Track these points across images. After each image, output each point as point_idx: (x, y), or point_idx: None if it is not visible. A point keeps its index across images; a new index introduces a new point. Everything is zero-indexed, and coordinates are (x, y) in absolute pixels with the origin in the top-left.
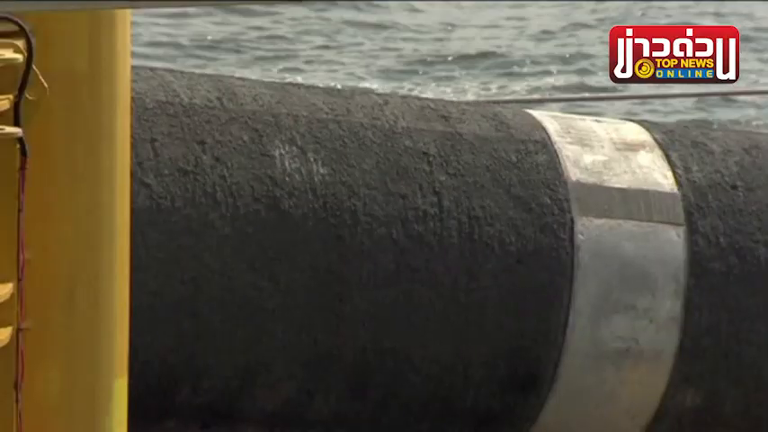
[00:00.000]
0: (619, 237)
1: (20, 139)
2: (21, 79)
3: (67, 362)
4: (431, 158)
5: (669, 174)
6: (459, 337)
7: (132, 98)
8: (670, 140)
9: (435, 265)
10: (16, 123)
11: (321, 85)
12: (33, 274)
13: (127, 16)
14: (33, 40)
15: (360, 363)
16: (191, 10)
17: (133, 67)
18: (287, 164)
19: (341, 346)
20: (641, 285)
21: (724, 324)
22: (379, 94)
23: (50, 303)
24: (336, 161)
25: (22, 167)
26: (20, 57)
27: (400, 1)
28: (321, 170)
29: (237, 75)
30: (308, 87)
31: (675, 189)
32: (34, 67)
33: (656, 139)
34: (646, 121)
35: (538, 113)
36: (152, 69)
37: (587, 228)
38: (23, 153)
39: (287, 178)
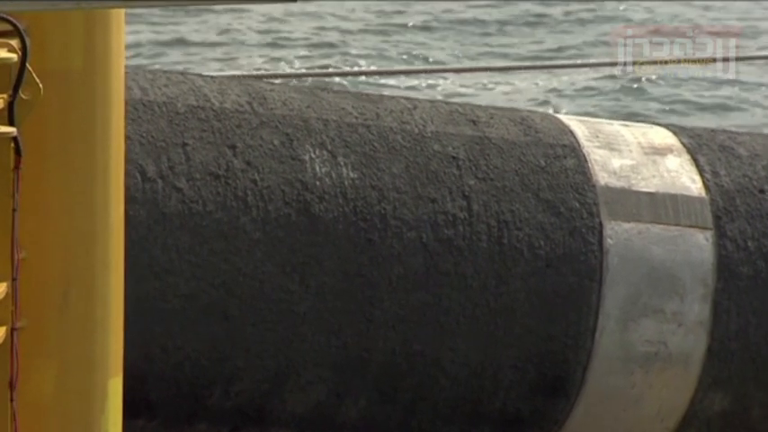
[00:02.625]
0: (647, 241)
1: (14, 139)
2: (15, 79)
3: (62, 361)
4: (460, 163)
5: (697, 178)
6: (488, 341)
7: (164, 102)
8: (697, 144)
9: (464, 268)
10: (11, 123)
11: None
12: (28, 273)
13: (121, 16)
14: (28, 40)
15: (389, 366)
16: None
17: (164, 72)
18: (317, 168)
19: (371, 349)
20: (670, 289)
21: (752, 328)
22: (407, 99)
23: (45, 303)
24: (366, 165)
25: (17, 167)
26: (14, 56)
27: (395, 0)
28: (351, 174)
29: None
30: (338, 92)
31: (703, 193)
32: (29, 66)
33: (683, 144)
34: (672, 124)
35: (565, 117)
36: (183, 74)
37: (616, 232)
38: (18, 152)
39: (317, 182)
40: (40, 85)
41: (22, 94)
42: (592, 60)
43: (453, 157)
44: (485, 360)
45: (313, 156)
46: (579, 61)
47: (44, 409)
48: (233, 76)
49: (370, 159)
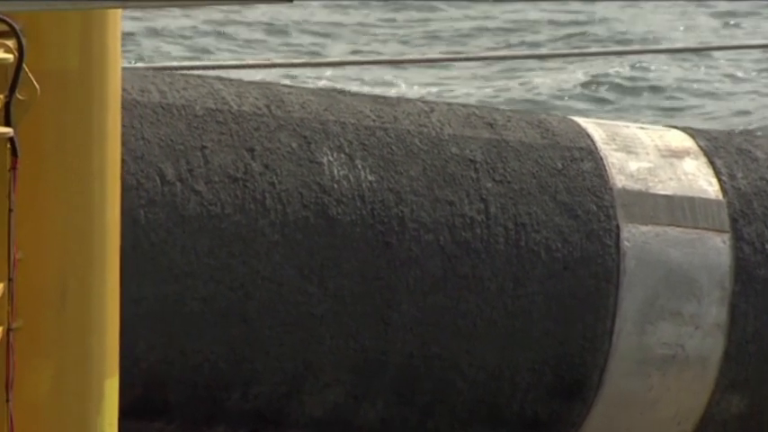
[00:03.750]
0: (664, 243)
1: (11, 139)
2: (12, 79)
3: (59, 361)
4: (477, 165)
5: (714, 181)
6: (505, 343)
7: (182, 105)
8: (714, 147)
9: (482, 271)
10: (7, 123)
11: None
12: (24, 273)
13: (117, 16)
14: (24, 40)
15: (407, 369)
16: None
17: (183, 75)
18: (335, 171)
19: (388, 351)
20: (687, 292)
21: None
22: (424, 102)
23: (41, 303)
24: (384, 168)
25: (13, 167)
26: (11, 57)
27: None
28: (369, 177)
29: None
30: (355, 95)
31: (720, 196)
32: (25, 66)
33: (700, 146)
34: (689, 127)
35: (582, 121)
36: (201, 77)
37: (633, 234)
38: (14, 153)
39: (335, 185)
40: (37, 86)
41: (18, 95)
42: None
43: (471, 160)
44: (502, 363)
45: (331, 159)
46: None
47: (40, 409)
48: (251, 81)
49: (387, 162)
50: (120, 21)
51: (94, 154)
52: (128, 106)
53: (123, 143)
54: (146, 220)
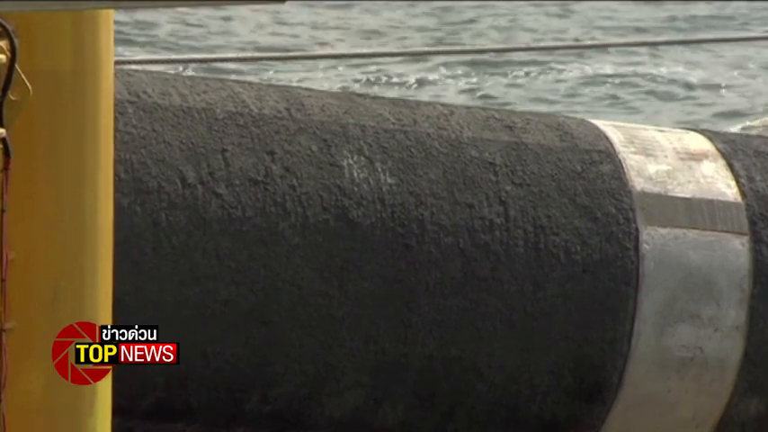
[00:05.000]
0: (683, 246)
1: (3, 140)
2: (4, 80)
3: (51, 363)
4: (497, 168)
5: (732, 183)
6: (525, 346)
7: (203, 108)
8: (732, 150)
9: (501, 273)
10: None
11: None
12: (17, 274)
13: (110, 16)
14: (16, 41)
15: (427, 371)
16: None
17: (203, 78)
18: (355, 174)
19: (408, 354)
20: (706, 294)
21: None
22: (443, 105)
23: (34, 304)
24: (404, 171)
25: (6, 168)
26: (3, 57)
27: (386, 0)
28: (389, 180)
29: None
30: (375, 98)
31: (739, 198)
32: (17, 67)
33: (718, 149)
34: (707, 130)
35: (601, 123)
36: (221, 80)
37: (652, 237)
38: (7, 153)
39: (355, 188)
40: (29, 86)
41: (10, 95)
42: None
43: (490, 163)
44: (521, 365)
45: (351, 161)
46: None
47: (33, 410)
48: (270, 84)
49: (407, 165)
50: (113, 21)
51: (87, 154)
52: (148, 109)
53: (145, 146)
54: (167, 223)
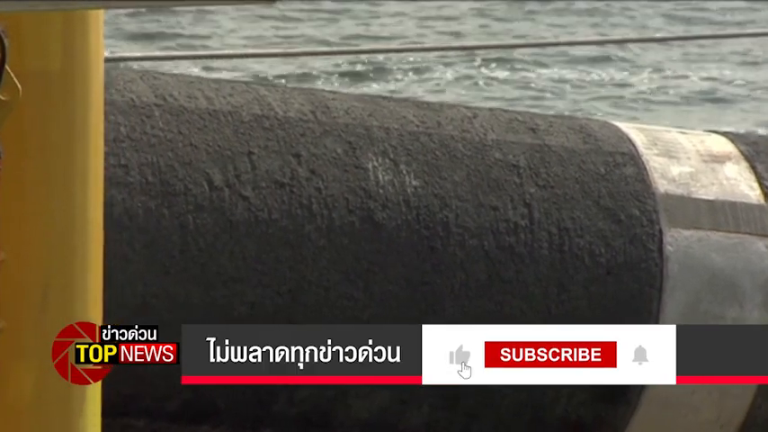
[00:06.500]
0: (707, 248)
1: None
2: None
3: (41, 363)
4: (521, 170)
5: (756, 185)
6: None
7: (229, 111)
8: (755, 152)
9: (526, 275)
10: None
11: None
12: (6, 274)
13: (100, 16)
14: (6, 41)
15: None
16: None
17: (228, 81)
18: (380, 176)
19: None
20: (730, 296)
21: None
22: (467, 107)
23: (24, 304)
24: (428, 173)
25: None
26: None
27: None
28: (413, 182)
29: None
30: (399, 100)
31: (762, 200)
32: (7, 67)
33: (741, 151)
34: (730, 132)
35: (624, 125)
36: (246, 83)
37: (676, 239)
38: None
39: (380, 190)
40: (19, 87)
41: (0, 96)
42: None
43: (514, 165)
44: None
45: (376, 164)
46: None
47: (22, 411)
48: (295, 87)
49: (432, 167)
50: (103, 21)
51: (77, 154)
52: (175, 112)
53: (171, 149)
54: (194, 226)
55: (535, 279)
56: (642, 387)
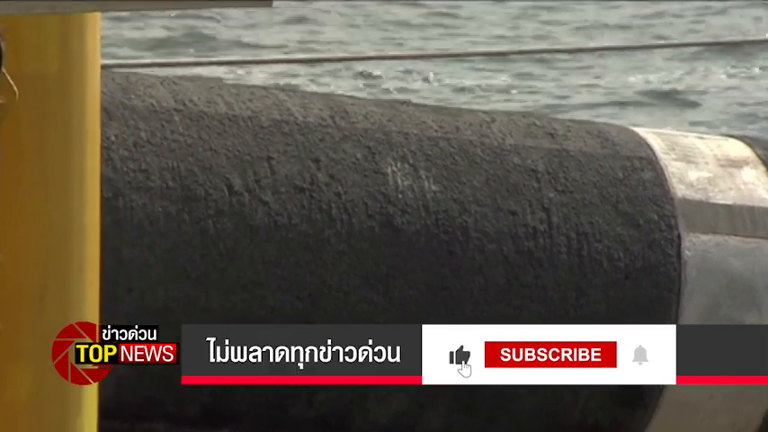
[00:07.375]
0: (725, 252)
1: None
2: None
3: (39, 364)
4: (539, 175)
5: None
6: None
7: (249, 116)
8: None
9: (545, 280)
10: None
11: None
12: (4, 276)
13: (97, 19)
14: (3, 44)
15: None
16: None
17: (248, 87)
18: (399, 181)
19: None
20: (748, 301)
21: None
22: (485, 112)
23: (21, 306)
24: (447, 178)
25: None
26: None
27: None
28: (432, 187)
29: None
30: (417, 105)
31: None
32: (4, 70)
33: (758, 155)
34: (747, 136)
35: (642, 130)
36: (265, 88)
37: (694, 244)
38: None
39: (399, 195)
40: (16, 89)
41: None
42: None
43: (533, 170)
44: None
45: (395, 169)
46: None
47: (19, 412)
48: (314, 92)
49: (451, 172)
50: (100, 24)
51: (74, 157)
52: (195, 117)
53: (192, 154)
54: (214, 230)
55: (554, 283)
56: (660, 391)
